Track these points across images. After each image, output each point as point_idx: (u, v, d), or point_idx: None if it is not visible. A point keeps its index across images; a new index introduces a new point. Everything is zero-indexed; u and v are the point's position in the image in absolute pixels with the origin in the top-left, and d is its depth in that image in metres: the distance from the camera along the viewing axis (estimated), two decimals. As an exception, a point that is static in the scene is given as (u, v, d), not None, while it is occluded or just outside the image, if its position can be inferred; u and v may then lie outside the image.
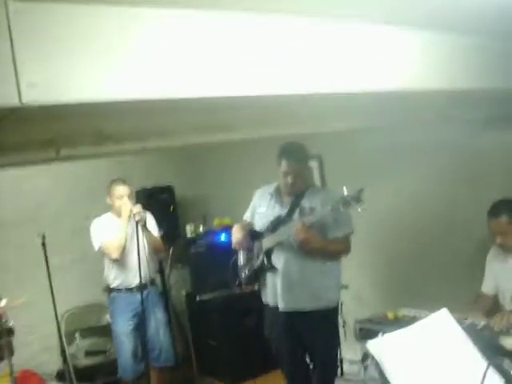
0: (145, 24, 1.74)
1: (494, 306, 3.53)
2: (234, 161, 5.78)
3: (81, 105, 1.68)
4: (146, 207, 5.75)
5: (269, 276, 3.76)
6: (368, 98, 2.88)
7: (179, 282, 6.09)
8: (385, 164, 4.74)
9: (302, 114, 3.00)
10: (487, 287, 3.61)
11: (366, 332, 3.28)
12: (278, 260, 3.68)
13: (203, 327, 5.67)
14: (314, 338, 3.74)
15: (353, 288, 4.76)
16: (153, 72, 1.73)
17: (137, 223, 4.38)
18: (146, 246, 4.52)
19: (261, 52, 2.06)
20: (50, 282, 4.41)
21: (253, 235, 3.82)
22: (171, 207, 5.93)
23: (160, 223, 5.69)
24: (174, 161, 6.35)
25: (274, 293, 3.74)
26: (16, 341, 4.21)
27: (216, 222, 5.71)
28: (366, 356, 2.88)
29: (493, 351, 2.22)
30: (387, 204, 4.75)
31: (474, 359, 2.08)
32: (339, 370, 4.51)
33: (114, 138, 2.16)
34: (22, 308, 4.15)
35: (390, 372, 2.10)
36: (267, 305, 3.87)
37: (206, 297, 5.46)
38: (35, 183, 5.25)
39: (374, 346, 2.18)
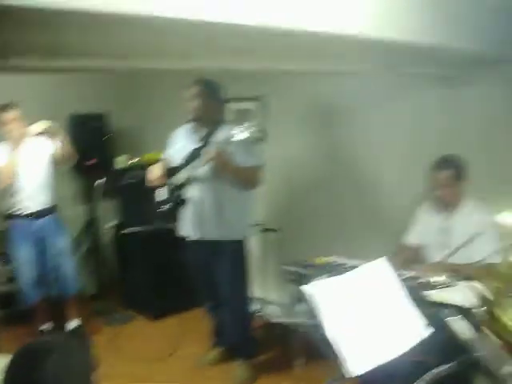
0: None
1: (414, 258, 3.65)
2: (172, 93, 5.60)
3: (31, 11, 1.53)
4: (77, 134, 5.61)
5: (185, 208, 3.93)
6: (316, 41, 2.82)
7: (108, 213, 5.96)
8: (328, 112, 4.75)
9: (245, 48, 2.91)
10: (412, 238, 3.72)
11: (295, 275, 3.30)
12: (192, 193, 3.88)
13: (128, 261, 5.61)
14: (222, 269, 3.99)
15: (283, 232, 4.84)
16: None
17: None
18: (45, 170, 4.57)
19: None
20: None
21: (170, 171, 3.94)
22: (103, 136, 5.75)
23: (91, 152, 5.57)
24: (112, 89, 6.11)
25: (189, 224, 3.99)
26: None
27: (147, 157, 5.54)
28: (297, 299, 2.91)
29: (419, 303, 2.27)
30: (325, 149, 4.79)
31: (404, 305, 2.13)
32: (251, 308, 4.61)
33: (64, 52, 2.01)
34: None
35: (324, 317, 2.12)
36: (183, 237, 4.11)
37: (132, 230, 5.36)
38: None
39: (308, 290, 2.18)
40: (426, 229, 3.65)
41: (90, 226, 5.77)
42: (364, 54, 3.32)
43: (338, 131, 4.76)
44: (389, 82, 4.20)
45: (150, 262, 5.30)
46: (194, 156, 3.83)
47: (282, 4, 2.24)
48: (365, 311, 2.16)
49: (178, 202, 3.86)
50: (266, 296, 5.09)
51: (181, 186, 3.89)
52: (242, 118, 5.24)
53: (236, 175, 3.80)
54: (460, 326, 1.52)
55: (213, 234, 3.93)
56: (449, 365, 1.46)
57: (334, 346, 1.99)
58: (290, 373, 4.07)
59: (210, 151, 3.67)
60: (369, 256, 2.51)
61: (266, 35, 2.47)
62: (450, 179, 3.45)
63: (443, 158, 3.52)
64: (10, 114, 4.35)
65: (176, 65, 2.97)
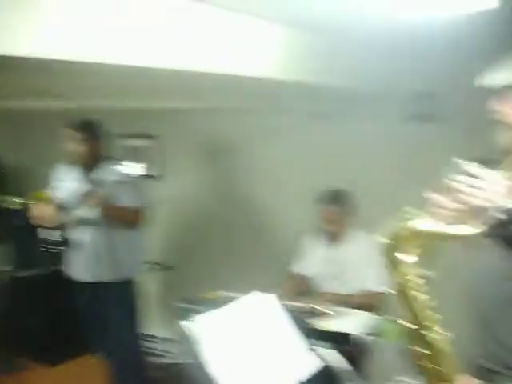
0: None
1: (303, 289, 3.74)
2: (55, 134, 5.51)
3: None
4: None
5: (73, 250, 3.86)
6: (205, 79, 2.89)
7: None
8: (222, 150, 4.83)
9: (135, 88, 2.94)
10: (299, 268, 3.81)
11: (189, 311, 3.29)
12: (78, 232, 3.82)
13: (22, 306, 5.37)
14: (113, 310, 3.86)
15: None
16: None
17: None
18: None
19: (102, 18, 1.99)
20: None
21: (57, 211, 3.83)
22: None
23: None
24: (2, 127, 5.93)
25: (77, 266, 3.89)
26: None
27: (35, 196, 5.37)
28: (183, 336, 2.90)
29: (307, 333, 2.32)
30: (220, 186, 4.86)
31: (290, 340, 2.16)
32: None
33: None
34: None
35: (205, 353, 2.11)
36: (71, 279, 3.97)
37: (25, 273, 5.16)
38: None
39: (188, 326, 2.18)
40: (312, 259, 3.75)
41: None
42: (251, 93, 3.43)
43: (233, 168, 4.84)
44: (278, 120, 4.32)
45: (43, 307, 5.09)
46: (78, 197, 3.76)
47: (171, 44, 2.30)
48: (249, 345, 2.16)
49: (65, 243, 3.83)
50: (164, 335, 5.03)
51: (69, 227, 3.83)
52: (134, 155, 5.24)
53: (119, 216, 3.76)
54: (334, 357, 1.58)
55: (103, 275, 3.84)
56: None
57: (219, 381, 1.98)
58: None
59: (91, 194, 3.64)
60: (262, 290, 2.54)
61: (159, 74, 2.52)
62: (336, 214, 3.58)
63: (330, 193, 3.64)
64: None
65: (62, 105, 2.96)
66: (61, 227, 3.83)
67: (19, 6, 1.74)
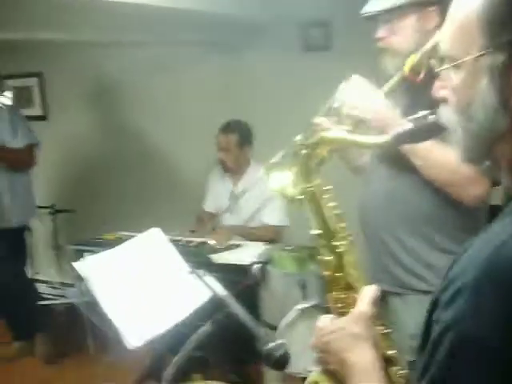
0: None
1: (213, 225, 3.73)
2: None
3: None
4: None
5: None
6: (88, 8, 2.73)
7: None
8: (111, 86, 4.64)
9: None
10: (207, 206, 3.79)
11: (82, 254, 3.20)
12: None
13: None
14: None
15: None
16: None
17: None
18: None
19: None
20: None
21: None
22: None
23: None
24: None
25: None
26: None
27: None
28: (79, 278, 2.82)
29: (206, 266, 2.30)
30: (111, 124, 4.72)
31: (181, 273, 2.14)
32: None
33: None
34: None
35: (98, 292, 2.06)
36: None
37: None
38: None
39: (80, 266, 2.11)
40: (218, 195, 3.74)
41: None
42: (142, 24, 3.28)
43: (123, 106, 4.68)
44: (168, 52, 4.18)
45: None
46: None
47: None
48: (140, 282, 2.14)
49: None
50: (59, 279, 4.90)
51: None
52: (20, 95, 4.95)
53: (8, 157, 3.56)
54: (216, 285, 1.58)
55: None
56: (207, 324, 1.50)
57: (112, 321, 1.95)
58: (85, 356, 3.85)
59: None
60: (165, 228, 2.49)
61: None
62: (231, 143, 3.54)
63: (227, 122, 3.60)
64: None
65: None
66: None
67: None
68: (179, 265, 2.21)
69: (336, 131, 1.38)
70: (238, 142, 3.56)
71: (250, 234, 3.43)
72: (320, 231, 1.09)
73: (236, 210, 3.60)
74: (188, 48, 4.16)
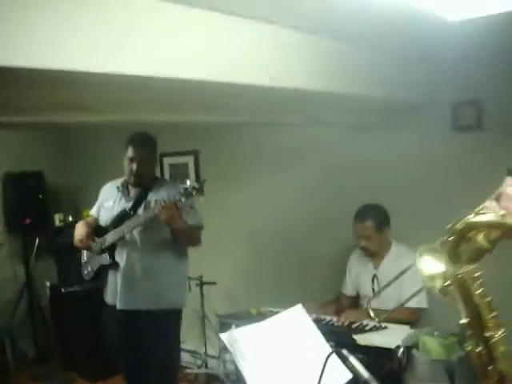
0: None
1: (354, 307, 3.68)
2: (106, 150, 5.58)
3: None
4: (12, 193, 5.54)
5: (110, 273, 3.62)
6: (244, 94, 2.90)
7: (45, 273, 5.84)
8: (258, 163, 4.83)
9: (179, 102, 2.97)
10: (347, 289, 3.76)
11: (228, 327, 3.29)
12: (120, 256, 3.56)
13: (66, 321, 5.47)
14: (151, 341, 3.56)
15: (222, 285, 4.82)
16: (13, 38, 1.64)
17: None
18: None
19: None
20: None
21: (97, 231, 3.64)
22: (40, 195, 5.67)
23: (27, 211, 5.50)
24: (47, 145, 6.09)
25: (114, 291, 3.60)
26: None
27: (85, 213, 5.50)
28: (224, 349, 2.90)
29: (347, 346, 2.28)
30: (259, 203, 4.84)
31: (322, 351, 2.14)
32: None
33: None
34: None
35: (242, 364, 2.12)
36: (106, 304, 3.71)
37: (71, 289, 5.25)
38: None
39: (227, 338, 2.18)
40: (358, 278, 3.70)
41: (27, 286, 5.63)
42: (296, 107, 3.42)
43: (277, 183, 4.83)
44: (316, 132, 4.30)
45: (87, 323, 5.15)
46: (123, 216, 3.52)
47: (213, 57, 2.34)
48: (282, 358, 2.16)
49: (104, 264, 3.60)
50: (205, 350, 5.04)
51: (107, 249, 3.56)
52: (177, 172, 5.29)
53: (183, 232, 3.47)
54: (359, 366, 1.56)
55: (143, 303, 3.53)
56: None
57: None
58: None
59: (161, 202, 3.27)
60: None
61: (201, 88, 2.55)
62: (370, 230, 3.50)
63: (364, 208, 3.58)
64: None
65: (109, 117, 3.00)
66: (100, 248, 3.60)
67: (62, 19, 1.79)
68: (321, 344, 2.21)
69: (486, 215, 1.24)
70: (376, 228, 3.51)
71: (392, 316, 3.33)
72: (469, 320, 1.05)
73: (378, 292, 3.53)
74: (336, 129, 4.24)
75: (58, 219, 5.75)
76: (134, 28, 2.00)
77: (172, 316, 3.62)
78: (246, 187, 5.01)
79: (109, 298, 3.67)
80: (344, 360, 1.69)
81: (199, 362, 5.06)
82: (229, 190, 5.04)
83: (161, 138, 4.10)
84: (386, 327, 3.07)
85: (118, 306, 3.57)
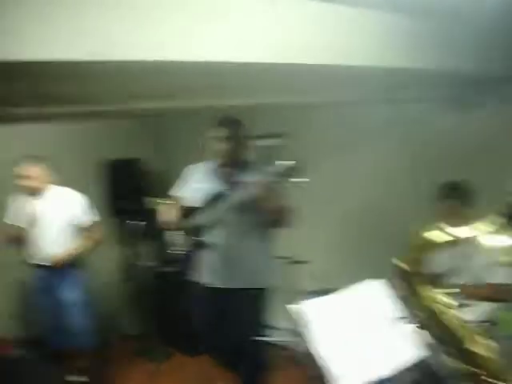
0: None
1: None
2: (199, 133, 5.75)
3: (23, 64, 1.70)
4: (112, 180, 5.85)
5: (203, 254, 3.71)
6: (322, 73, 2.93)
7: (145, 254, 6.13)
8: (344, 142, 4.83)
9: (260, 85, 3.04)
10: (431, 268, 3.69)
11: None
12: (215, 236, 3.64)
13: (167, 299, 5.72)
14: (242, 318, 3.71)
15: (315, 263, 4.87)
16: (98, 32, 1.76)
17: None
18: (65, 224, 4.55)
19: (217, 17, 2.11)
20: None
21: (186, 212, 3.72)
22: (138, 180, 5.97)
23: (127, 196, 5.79)
24: (144, 133, 6.35)
25: (211, 270, 3.73)
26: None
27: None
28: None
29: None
30: (349, 182, 4.85)
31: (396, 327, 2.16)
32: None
33: (60, 99, 2.18)
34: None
35: (315, 335, 2.16)
36: (198, 283, 3.85)
37: (169, 269, 5.48)
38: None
39: (295, 309, 2.23)
40: (441, 257, 3.63)
41: (130, 267, 5.94)
42: (368, 83, 3.41)
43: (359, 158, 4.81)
44: (394, 110, 4.24)
45: (186, 301, 5.34)
46: (217, 198, 3.60)
47: (296, 40, 2.39)
48: (356, 330, 2.19)
49: (196, 246, 3.69)
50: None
51: (199, 230, 3.66)
52: (267, 155, 5.35)
53: (279, 212, 3.53)
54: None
55: (240, 282, 3.68)
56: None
57: (325, 364, 2.02)
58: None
59: (257, 181, 3.33)
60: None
61: (285, 70, 2.61)
62: (453, 208, 3.43)
63: (446, 186, 3.52)
64: (29, 169, 4.38)
65: (199, 103, 3.13)
66: (191, 229, 3.69)
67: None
68: (398, 317, 2.22)
69: None
70: (459, 206, 3.43)
71: (475, 293, 3.25)
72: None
73: (463, 269, 3.45)
74: (420, 105, 4.17)
75: (156, 203, 5.98)
76: (214, 15, 2.08)
77: (262, 295, 3.77)
78: (335, 167, 5.04)
79: (205, 277, 3.80)
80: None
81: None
82: (319, 170, 5.07)
83: (247, 122, 4.19)
84: (467, 304, 3.01)
85: (217, 285, 3.71)
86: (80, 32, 1.72)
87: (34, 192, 4.42)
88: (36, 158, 4.42)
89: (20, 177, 4.35)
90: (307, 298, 3.49)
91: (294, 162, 3.25)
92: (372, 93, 3.56)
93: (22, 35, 1.66)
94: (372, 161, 4.68)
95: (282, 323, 5.12)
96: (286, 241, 5.11)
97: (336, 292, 3.27)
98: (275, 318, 5.14)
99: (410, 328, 1.64)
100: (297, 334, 2.63)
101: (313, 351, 2.06)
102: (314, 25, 2.47)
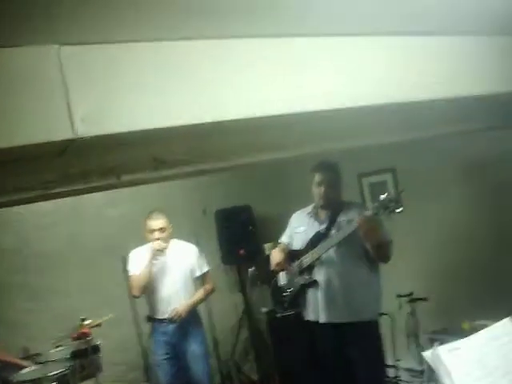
0: (185, 54, 1.87)
1: None
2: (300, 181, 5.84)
3: (133, 133, 1.83)
4: (225, 228, 6.00)
5: (310, 292, 3.88)
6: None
7: (260, 300, 6.20)
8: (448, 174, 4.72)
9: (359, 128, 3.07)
10: None
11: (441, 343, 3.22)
12: (318, 275, 3.81)
13: (285, 343, 5.71)
14: (356, 352, 3.75)
15: (433, 300, 4.75)
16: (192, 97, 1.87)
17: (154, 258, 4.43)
18: (184, 277, 4.62)
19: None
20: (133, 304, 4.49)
21: (292, 255, 3.95)
22: (250, 226, 6.07)
23: (239, 243, 5.91)
24: (253, 181, 6.49)
25: (316, 307, 3.85)
26: (104, 360, 4.36)
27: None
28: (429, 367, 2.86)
29: None
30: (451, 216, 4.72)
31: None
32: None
33: (169, 162, 2.30)
34: (109, 328, 4.30)
35: (446, 381, 2.08)
36: (308, 321, 3.95)
37: (286, 313, 5.48)
38: (120, 209, 5.51)
39: (430, 356, 2.16)
40: None
41: (246, 313, 6.01)
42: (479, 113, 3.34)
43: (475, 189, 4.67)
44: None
45: (303, 344, 5.33)
46: (318, 238, 3.78)
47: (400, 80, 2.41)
48: (494, 374, 2.08)
49: (305, 284, 3.86)
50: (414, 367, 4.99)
51: (305, 270, 3.85)
52: (376, 190, 5.33)
53: (379, 246, 3.60)
54: None
55: (342, 316, 3.77)
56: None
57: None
58: None
59: (361, 219, 3.46)
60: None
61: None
62: None
63: None
64: (157, 223, 4.47)
65: (299, 152, 3.20)
66: (297, 270, 3.90)
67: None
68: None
69: None
70: None
71: None
72: None
73: None
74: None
75: (268, 248, 6.06)
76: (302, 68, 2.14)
77: (371, 327, 3.81)
78: (443, 197, 4.92)
79: (310, 315, 3.92)
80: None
81: (417, 380, 5.00)
82: (428, 204, 4.99)
83: (357, 160, 4.20)
84: None
85: (321, 320, 3.83)
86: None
87: (163, 245, 4.51)
88: (162, 212, 4.55)
89: (150, 230, 4.47)
90: (431, 338, 3.44)
91: (397, 192, 3.44)
92: (476, 122, 3.47)
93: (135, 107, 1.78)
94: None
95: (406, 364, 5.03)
96: (403, 278, 5.07)
97: (467, 331, 3.22)
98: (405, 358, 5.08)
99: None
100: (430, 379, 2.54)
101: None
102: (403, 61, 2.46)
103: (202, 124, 1.91)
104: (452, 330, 3.44)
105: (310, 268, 3.84)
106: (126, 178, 2.27)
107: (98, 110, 1.72)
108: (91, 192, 2.81)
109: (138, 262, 4.53)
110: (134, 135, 1.85)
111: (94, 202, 5.20)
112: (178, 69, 1.83)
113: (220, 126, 1.98)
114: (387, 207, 3.36)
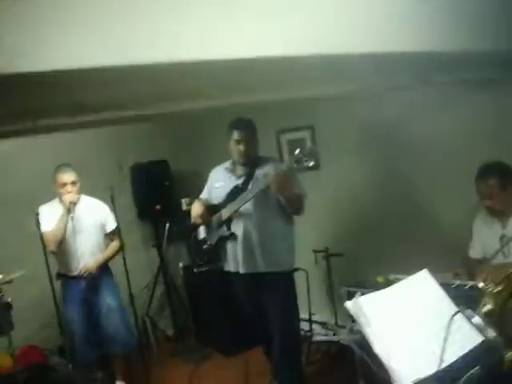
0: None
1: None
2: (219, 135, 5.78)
3: (55, 74, 1.69)
4: (141, 182, 5.88)
5: (229, 244, 4.02)
6: (351, 61, 2.87)
7: (177, 255, 6.17)
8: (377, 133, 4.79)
9: (286, 79, 3.00)
10: (474, 252, 3.63)
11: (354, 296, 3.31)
12: (237, 228, 3.94)
13: (201, 299, 5.73)
14: (271, 303, 3.93)
15: (348, 255, 4.86)
16: (125, 38, 1.74)
17: (69, 211, 4.36)
18: (96, 233, 4.61)
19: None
20: (47, 260, 4.35)
21: (211, 209, 4.07)
22: (166, 182, 6.00)
23: (156, 198, 5.82)
24: (169, 135, 6.36)
25: (235, 259, 4.00)
26: (15, 318, 4.21)
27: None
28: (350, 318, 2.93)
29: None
30: (374, 172, 4.81)
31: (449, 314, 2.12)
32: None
33: (92, 108, 2.17)
34: (20, 285, 4.14)
35: (368, 330, 2.15)
36: (228, 272, 4.11)
37: (202, 268, 5.47)
38: (31, 161, 5.25)
39: (352, 306, 2.22)
40: (485, 240, 3.56)
41: (162, 269, 5.97)
42: (399, 69, 3.35)
43: (388, 150, 4.76)
44: (427, 95, 4.17)
45: (219, 299, 5.38)
46: (236, 192, 3.90)
47: (314, 30, 2.33)
48: (409, 324, 2.16)
49: (223, 237, 3.99)
50: (332, 320, 5.13)
51: (224, 223, 3.97)
52: (294, 147, 5.35)
53: (291, 199, 3.72)
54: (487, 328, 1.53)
55: (260, 266, 3.92)
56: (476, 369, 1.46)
57: (383, 359, 2.00)
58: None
59: (274, 175, 3.57)
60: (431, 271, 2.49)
61: (304, 61, 2.56)
62: (495, 187, 3.35)
63: (486, 166, 3.43)
64: (68, 176, 4.39)
65: (223, 102, 3.11)
66: (216, 223, 4.02)
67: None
68: (449, 307, 2.18)
69: None
70: (499, 185, 3.34)
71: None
72: None
73: (508, 252, 3.38)
74: (445, 89, 4.11)
75: (185, 203, 6.00)
76: (242, 11, 2.04)
77: (287, 279, 3.98)
78: (363, 157, 5.01)
79: (230, 265, 4.07)
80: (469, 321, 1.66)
81: (330, 333, 5.15)
82: (345, 163, 5.06)
83: (276, 116, 4.17)
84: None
85: (241, 271, 3.98)
86: (105, 37, 1.70)
87: (75, 200, 4.41)
88: (71, 166, 4.45)
89: (62, 184, 4.38)
90: (349, 292, 3.53)
91: (308, 149, 3.54)
92: (407, 78, 3.50)
93: (50, 45, 1.64)
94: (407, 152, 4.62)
95: (329, 319, 5.16)
96: (319, 233, 5.15)
97: (381, 284, 3.32)
98: (321, 314, 5.20)
99: (471, 319, 1.60)
100: (351, 330, 2.61)
101: (374, 348, 2.03)
102: (344, 11, 2.40)
103: (118, 67, 1.77)
104: (367, 283, 3.51)
105: (228, 221, 3.97)
106: (42, 122, 2.12)
107: (18, 45, 1.57)
108: (5, 137, 2.63)
109: (50, 216, 4.40)
110: (55, 75, 1.70)
111: (4, 152, 4.91)
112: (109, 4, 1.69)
113: (136, 70, 1.86)
114: (300, 161, 3.48)
